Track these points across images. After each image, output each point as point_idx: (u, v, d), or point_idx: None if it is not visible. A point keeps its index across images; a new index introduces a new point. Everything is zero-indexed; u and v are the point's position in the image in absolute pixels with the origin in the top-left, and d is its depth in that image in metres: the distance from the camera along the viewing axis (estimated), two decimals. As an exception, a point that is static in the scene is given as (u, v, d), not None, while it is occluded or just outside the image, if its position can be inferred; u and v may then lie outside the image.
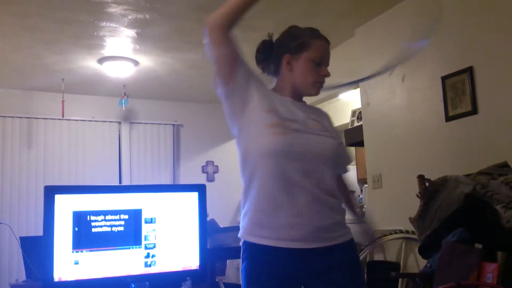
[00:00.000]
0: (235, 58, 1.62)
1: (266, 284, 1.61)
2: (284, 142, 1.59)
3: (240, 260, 1.67)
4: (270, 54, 1.79)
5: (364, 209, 5.84)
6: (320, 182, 1.64)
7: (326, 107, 4.25)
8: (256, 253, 1.63)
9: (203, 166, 7.00)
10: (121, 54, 4.95)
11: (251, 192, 1.64)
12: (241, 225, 1.68)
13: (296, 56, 1.73)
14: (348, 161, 1.90)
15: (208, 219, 4.46)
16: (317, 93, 1.76)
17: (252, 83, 1.66)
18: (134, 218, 2.55)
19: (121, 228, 2.51)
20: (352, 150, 6.35)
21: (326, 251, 1.62)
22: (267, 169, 1.61)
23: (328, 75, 1.75)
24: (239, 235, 1.68)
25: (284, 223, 1.60)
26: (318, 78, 1.74)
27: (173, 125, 6.86)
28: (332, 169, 1.69)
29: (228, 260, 5.67)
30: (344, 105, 5.88)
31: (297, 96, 1.78)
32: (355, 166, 6.46)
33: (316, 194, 1.62)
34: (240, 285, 1.70)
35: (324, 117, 1.83)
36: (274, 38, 1.82)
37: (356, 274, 1.72)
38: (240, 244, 1.68)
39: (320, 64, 1.73)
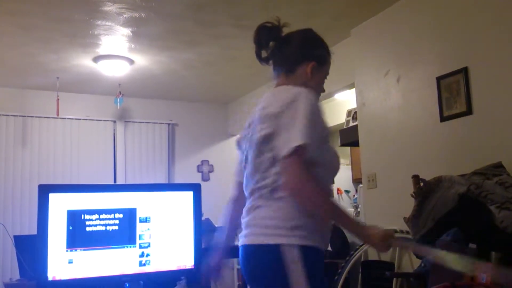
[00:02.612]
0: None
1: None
2: None
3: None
4: (282, 45, 1.80)
5: (358, 209, 5.86)
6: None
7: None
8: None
9: (198, 166, 7.00)
10: (116, 53, 4.93)
11: None
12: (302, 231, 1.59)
13: (319, 66, 1.80)
14: None
15: (203, 218, 4.45)
16: None
17: None
18: (129, 217, 2.55)
19: (116, 227, 2.51)
20: (347, 150, 6.38)
21: None
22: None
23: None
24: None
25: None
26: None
27: (168, 124, 6.85)
28: None
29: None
30: (340, 105, 5.89)
31: None
32: (350, 166, 6.48)
33: None
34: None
35: None
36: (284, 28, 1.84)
37: None
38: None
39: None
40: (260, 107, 1.70)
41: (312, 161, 1.57)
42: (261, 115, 1.66)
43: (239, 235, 1.75)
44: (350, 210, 6.25)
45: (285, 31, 1.82)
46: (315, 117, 1.58)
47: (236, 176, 1.89)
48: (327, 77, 1.86)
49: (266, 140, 1.61)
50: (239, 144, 1.84)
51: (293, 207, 1.58)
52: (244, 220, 1.71)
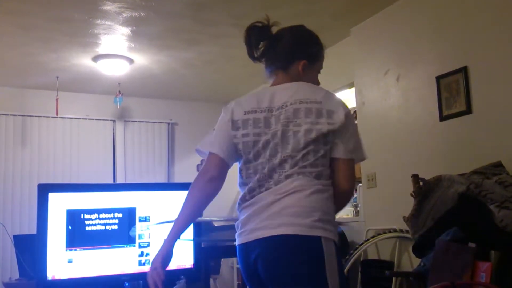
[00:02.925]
0: None
1: None
2: None
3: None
4: (274, 44, 1.82)
5: (358, 208, 5.84)
6: None
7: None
8: None
9: (198, 165, 6.98)
10: (116, 52, 4.93)
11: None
12: (333, 226, 1.66)
13: (310, 64, 1.82)
14: None
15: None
16: None
17: None
18: (128, 216, 2.54)
19: (115, 227, 2.51)
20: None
21: None
22: None
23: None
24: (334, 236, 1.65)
25: None
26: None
27: (168, 123, 6.85)
28: None
29: (222, 259, 5.67)
30: (339, 105, 5.87)
31: None
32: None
33: None
34: None
35: None
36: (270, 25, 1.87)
37: None
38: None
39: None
40: (294, 99, 1.69)
41: None
42: (317, 108, 1.67)
43: (254, 226, 1.64)
44: (350, 210, 6.24)
45: (275, 30, 1.83)
46: None
47: (221, 154, 1.76)
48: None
49: (327, 136, 1.67)
50: (235, 124, 1.79)
51: (331, 201, 1.68)
52: (270, 207, 1.63)
